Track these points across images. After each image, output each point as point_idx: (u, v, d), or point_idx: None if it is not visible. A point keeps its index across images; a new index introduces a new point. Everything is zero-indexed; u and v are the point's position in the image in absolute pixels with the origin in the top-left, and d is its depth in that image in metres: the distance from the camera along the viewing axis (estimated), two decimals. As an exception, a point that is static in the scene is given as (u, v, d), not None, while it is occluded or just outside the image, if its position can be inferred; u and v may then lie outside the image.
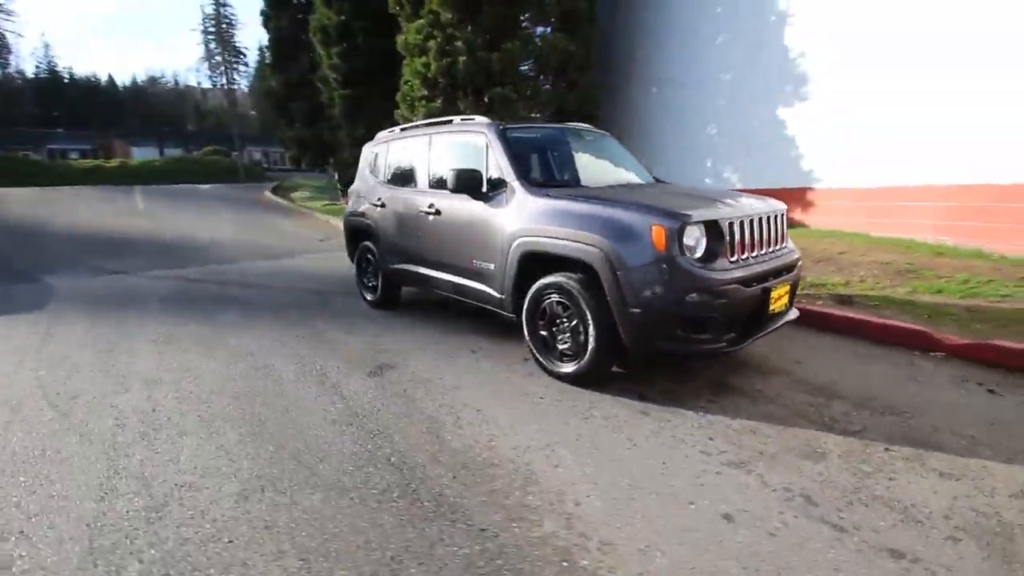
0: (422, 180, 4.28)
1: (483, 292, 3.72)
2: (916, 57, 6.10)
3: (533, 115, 9.71)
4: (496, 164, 3.56)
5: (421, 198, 4.20)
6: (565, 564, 1.72)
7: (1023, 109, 5.29)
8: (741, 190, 4.26)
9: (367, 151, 5.24)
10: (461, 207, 3.77)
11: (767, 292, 2.89)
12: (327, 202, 17.87)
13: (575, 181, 3.85)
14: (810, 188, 7.64)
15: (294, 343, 4.08)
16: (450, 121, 4.18)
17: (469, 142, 3.85)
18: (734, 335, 2.83)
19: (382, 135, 5.14)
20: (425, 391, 3.13)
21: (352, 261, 5.52)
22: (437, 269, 4.14)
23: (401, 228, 4.48)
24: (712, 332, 2.76)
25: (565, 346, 3.15)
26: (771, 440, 2.47)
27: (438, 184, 4.09)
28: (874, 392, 2.97)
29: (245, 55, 46.82)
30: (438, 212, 3.99)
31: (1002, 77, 5.42)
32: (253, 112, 50.04)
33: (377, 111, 12.75)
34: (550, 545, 1.81)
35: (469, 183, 3.53)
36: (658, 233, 2.67)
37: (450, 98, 9.75)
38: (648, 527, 1.89)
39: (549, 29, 9.72)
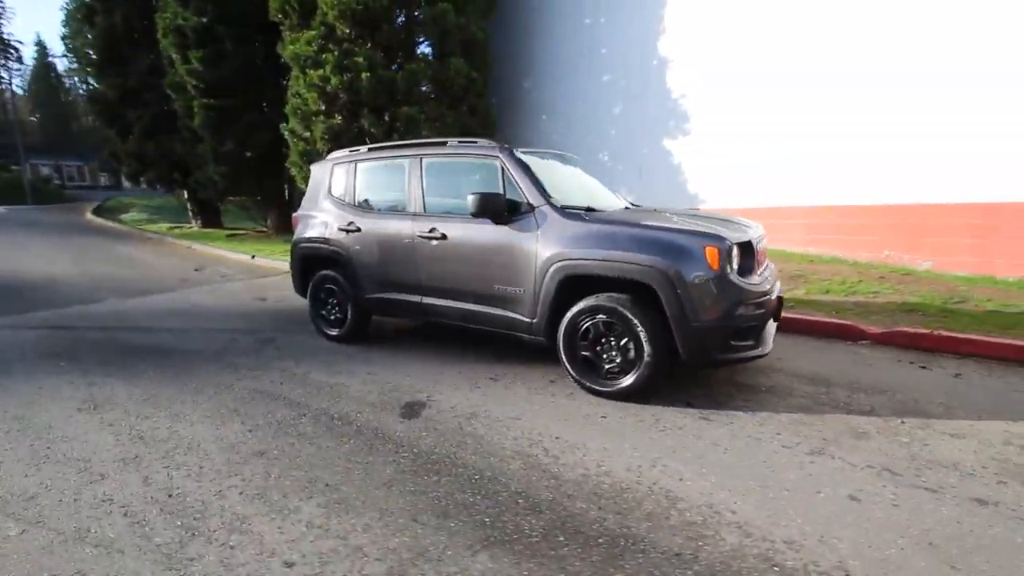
0: (414, 204, 4.03)
1: (505, 318, 3.64)
2: (777, 98, 7.54)
3: (445, 138, 9.67)
4: (516, 188, 3.55)
5: (416, 223, 3.95)
6: (777, 569, 1.82)
7: (862, 146, 6.88)
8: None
9: (320, 172, 4.75)
10: (478, 232, 3.65)
11: (781, 300, 3.37)
12: (172, 225, 15.38)
13: (582, 205, 3.95)
14: (696, 209, 8.88)
15: (278, 391, 3.51)
16: (443, 143, 4.03)
17: (477, 165, 3.77)
18: (765, 341, 3.23)
19: (338, 155, 4.71)
20: (485, 426, 2.96)
21: (302, 293, 4.92)
22: (440, 297, 3.93)
23: (386, 255, 4.15)
24: (753, 339, 3.12)
25: (611, 364, 3.26)
26: (821, 427, 2.88)
27: (438, 208, 3.91)
28: (851, 377, 3.62)
29: (19, 50, 38.18)
30: (443, 237, 3.80)
31: (846, 119, 6.99)
32: (34, 118, 40.69)
33: (248, 124, 11.48)
34: (749, 555, 1.90)
35: (492, 207, 3.46)
36: (712, 253, 2.96)
37: (351, 115, 9.23)
38: (807, 520, 2.08)
39: (433, 53, 9.71)
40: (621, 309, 3.12)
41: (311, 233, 4.63)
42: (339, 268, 4.51)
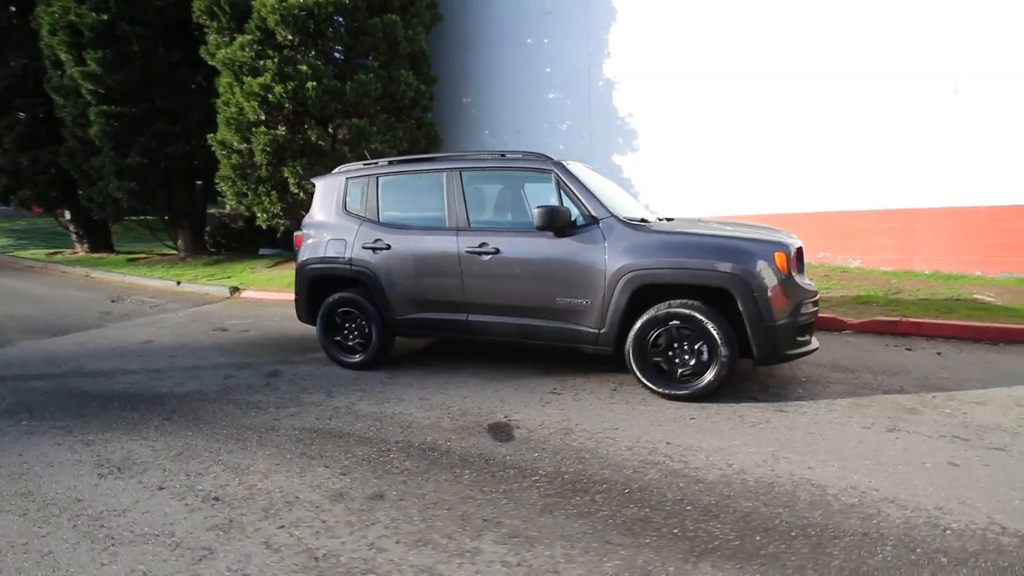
0: (456, 218, 3.87)
1: (568, 330, 3.63)
2: (718, 119, 8.32)
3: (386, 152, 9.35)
4: (574, 200, 3.58)
5: (462, 238, 3.80)
6: (949, 532, 2.02)
7: (793, 161, 7.81)
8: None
9: (329, 187, 4.38)
10: (537, 245, 3.61)
11: (817, 300, 3.74)
12: (51, 251, 13.08)
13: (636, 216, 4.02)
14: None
15: (333, 427, 3.17)
16: (486, 155, 3.94)
17: (529, 177, 3.75)
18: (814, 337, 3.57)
19: (350, 169, 4.40)
20: (590, 440, 2.92)
21: (308, 319, 4.48)
22: (491, 313, 3.81)
23: (425, 273, 3.94)
24: (810, 335, 3.44)
25: (685, 368, 3.39)
26: (877, 408, 3.23)
27: (485, 222, 3.81)
28: (863, 362, 4.10)
29: None
30: (496, 251, 3.70)
31: (777, 138, 7.90)
32: None
33: (158, 134, 10.17)
34: (919, 524, 2.08)
35: (559, 220, 3.45)
36: (780, 258, 3.22)
37: (295, 126, 8.60)
38: (936, 487, 2.33)
39: (380, 64, 9.44)
40: (697, 315, 3.27)
41: (325, 253, 4.24)
42: (362, 289, 4.18)
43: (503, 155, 3.93)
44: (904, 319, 4.85)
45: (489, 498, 2.38)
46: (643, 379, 3.48)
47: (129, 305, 7.52)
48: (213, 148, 9.04)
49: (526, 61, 10.62)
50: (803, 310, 3.30)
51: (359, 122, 8.65)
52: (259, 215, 9.15)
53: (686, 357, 3.37)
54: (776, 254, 3.22)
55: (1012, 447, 2.69)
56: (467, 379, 3.99)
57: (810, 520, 2.15)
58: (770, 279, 3.19)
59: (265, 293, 8.15)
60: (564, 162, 3.76)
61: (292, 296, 7.66)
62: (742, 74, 8.03)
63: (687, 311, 3.30)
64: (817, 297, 3.48)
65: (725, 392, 3.47)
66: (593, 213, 3.53)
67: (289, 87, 8.10)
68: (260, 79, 8.05)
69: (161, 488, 2.53)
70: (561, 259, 3.56)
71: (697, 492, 2.38)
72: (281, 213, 8.96)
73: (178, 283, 8.81)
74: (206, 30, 8.97)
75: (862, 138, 7.16)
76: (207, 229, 13.16)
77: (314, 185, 4.53)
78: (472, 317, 3.86)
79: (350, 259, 4.13)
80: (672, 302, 3.35)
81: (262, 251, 12.80)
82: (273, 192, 8.75)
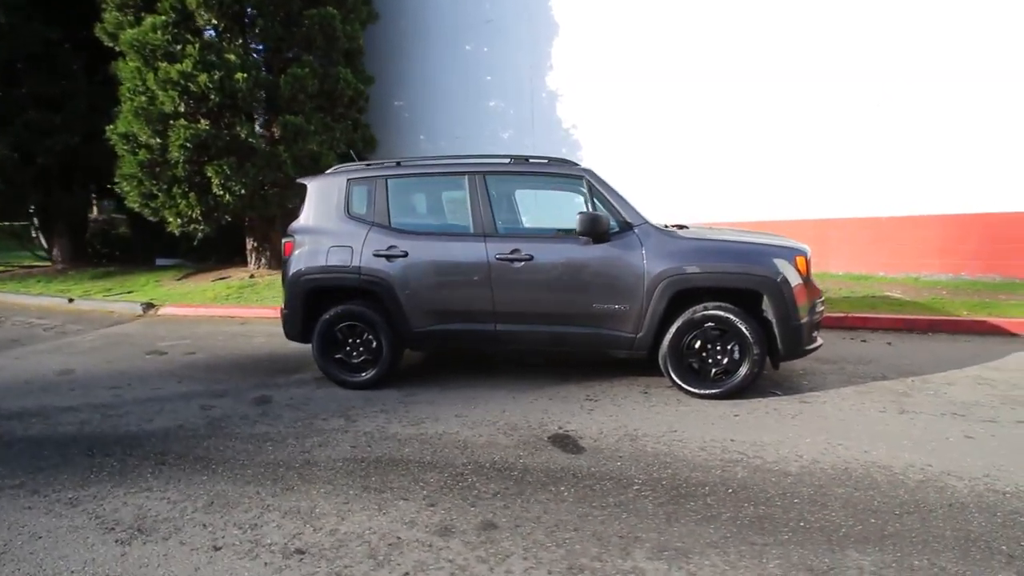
0: (482, 224, 3.68)
1: (603, 336, 3.62)
2: (655, 132, 8.88)
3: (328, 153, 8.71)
4: (608, 207, 3.60)
5: (491, 245, 3.63)
6: (1006, 494, 2.33)
7: (719, 174, 8.56)
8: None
9: (326, 189, 3.94)
10: (574, 251, 3.57)
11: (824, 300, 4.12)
12: None
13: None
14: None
15: (381, 454, 2.85)
16: (508, 160, 3.80)
17: (560, 183, 3.70)
18: (816, 333, 3.92)
19: (350, 169, 4.02)
20: (659, 444, 2.93)
21: (299, 336, 3.99)
22: (521, 322, 3.68)
23: (448, 281, 3.71)
24: (819, 332, 3.77)
25: (717, 368, 3.54)
26: (877, 393, 3.63)
27: (511, 228, 3.67)
28: (839, 354, 4.59)
29: None
30: (529, 258, 3.58)
31: (705, 153, 8.61)
32: None
33: (33, 124, 8.48)
34: (984, 491, 2.36)
35: (600, 227, 3.44)
36: (801, 262, 3.51)
37: (223, 120, 7.66)
38: (971, 458, 2.66)
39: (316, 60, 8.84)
40: (731, 316, 3.45)
41: (327, 261, 3.80)
42: (372, 301, 3.82)
43: (527, 159, 3.84)
44: (849, 314, 5.54)
45: (607, 513, 2.28)
46: (677, 380, 3.58)
47: (13, 329, 6.14)
48: (112, 142, 7.75)
49: (465, 68, 10.52)
50: (816, 309, 3.63)
51: (294, 119, 7.94)
52: (170, 220, 7.99)
53: (718, 357, 3.54)
54: (797, 258, 3.51)
55: (1000, 419, 3.18)
56: (492, 392, 3.81)
57: (901, 498, 2.35)
58: (795, 281, 3.47)
59: (190, 309, 7.13)
60: (593, 171, 3.77)
61: (227, 311, 6.89)
62: (682, 90, 8.64)
63: (722, 313, 3.46)
64: (824, 297, 3.85)
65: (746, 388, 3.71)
66: (628, 219, 3.58)
67: (216, 77, 7.21)
68: (180, 66, 7.06)
69: (217, 548, 2.08)
70: (599, 265, 3.56)
71: (792, 484, 2.49)
72: (200, 218, 7.90)
73: (70, 300, 7.38)
74: (103, 6, 7.69)
75: (785, 156, 8.06)
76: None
77: (304, 186, 4.07)
78: (500, 327, 3.70)
79: (359, 268, 3.75)
80: (707, 304, 3.49)
81: (160, 261, 11.19)
82: (192, 194, 7.69)
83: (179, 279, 9.07)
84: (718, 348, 3.53)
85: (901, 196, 7.36)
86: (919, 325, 5.31)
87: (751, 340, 3.44)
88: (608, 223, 3.49)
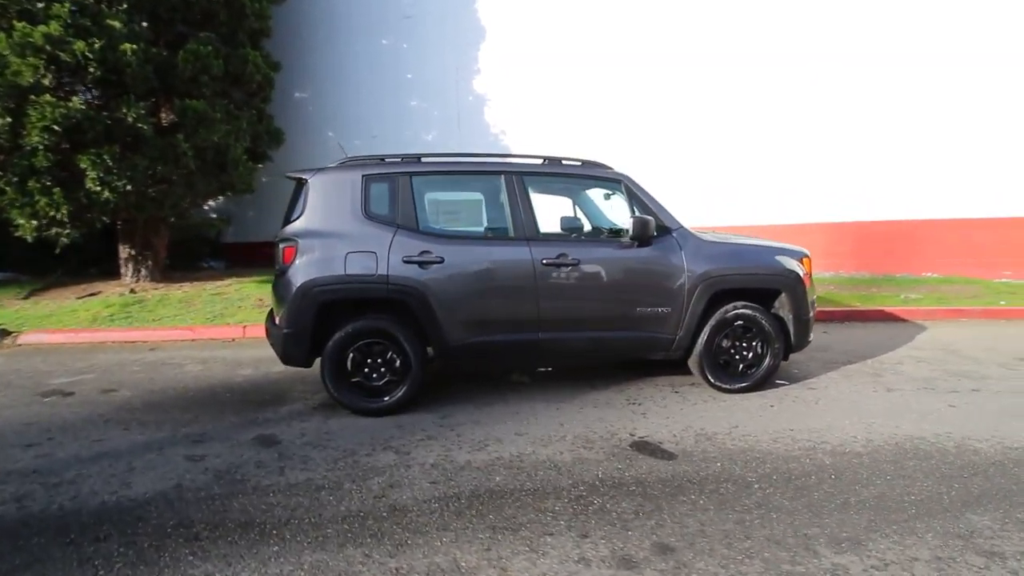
0: (522, 227, 3.45)
1: (644, 339, 3.63)
2: (586, 140, 9.21)
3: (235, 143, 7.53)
4: (648, 211, 3.61)
5: (536, 249, 3.41)
6: (1015, 449, 2.84)
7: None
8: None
9: (337, 185, 3.38)
10: (621, 255, 3.53)
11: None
12: None
13: None
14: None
15: (471, 487, 2.51)
16: (542, 160, 3.60)
17: (593, 186, 3.61)
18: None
19: (364, 163, 3.50)
20: (731, 441, 3.01)
21: (302, 360, 3.36)
22: (564, 329, 3.52)
23: (491, 289, 3.41)
24: (811, 325, 4.21)
25: (744, 363, 3.76)
26: (859, 376, 4.16)
27: (555, 232, 3.49)
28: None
29: None
30: (576, 263, 3.44)
31: (640, 158, 9.16)
32: None
33: None
34: (992, 451, 2.84)
35: (649, 231, 3.44)
36: (807, 262, 3.88)
37: (107, 100, 6.18)
38: (970, 424, 3.18)
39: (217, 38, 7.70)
40: (757, 314, 3.69)
41: (346, 270, 3.23)
42: (398, 313, 3.34)
43: (561, 161, 3.70)
44: (785, 309, 6.31)
45: (756, 515, 2.27)
46: (710, 377, 3.73)
47: None
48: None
49: (382, 63, 9.90)
50: (814, 306, 4.06)
51: (196, 104, 6.74)
52: (21, 222, 6.21)
53: (745, 352, 3.77)
54: (804, 260, 3.90)
55: (960, 389, 3.85)
56: (530, 405, 3.59)
57: (956, 463, 2.71)
58: (805, 280, 3.84)
59: (65, 335, 5.59)
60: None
61: (121, 336, 5.68)
62: (614, 99, 9.08)
63: (749, 311, 3.69)
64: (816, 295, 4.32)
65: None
66: (666, 223, 3.64)
67: (96, 46, 5.79)
68: (44, 28, 5.53)
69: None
70: (645, 268, 3.57)
71: (872, 463, 2.73)
72: (67, 219, 6.26)
73: None
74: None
75: (702, 172, 8.92)
76: None
77: (302, 182, 3.42)
78: (543, 335, 3.50)
79: (386, 276, 3.26)
80: (736, 304, 3.70)
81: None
82: (57, 190, 6.05)
83: (24, 298, 7.08)
84: (744, 345, 3.77)
85: (791, 208, 8.63)
86: (837, 316, 6.24)
87: (773, 335, 3.73)
88: (653, 226, 3.52)
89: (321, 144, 10.27)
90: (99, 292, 7.26)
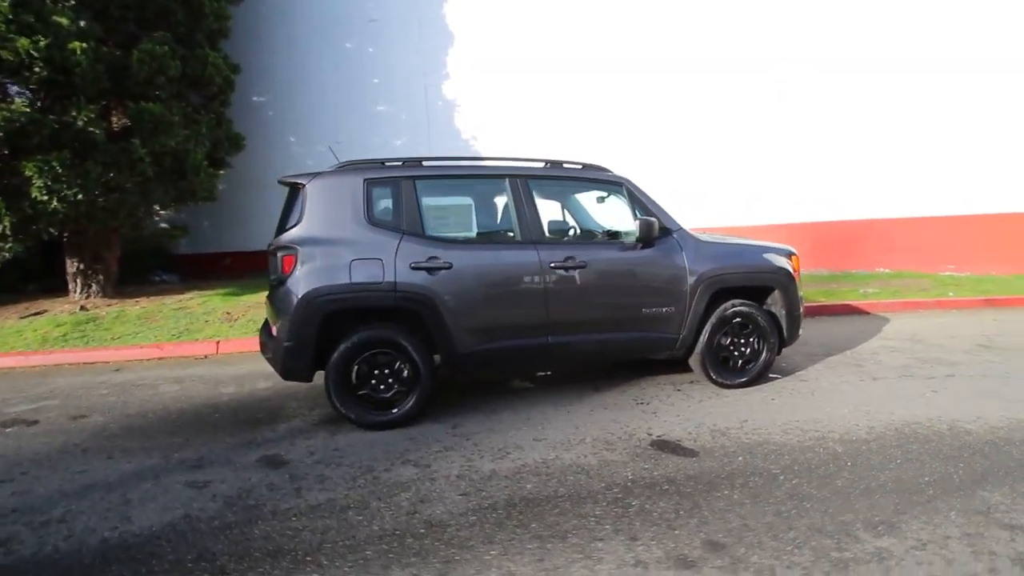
0: (528, 231, 3.42)
1: (650, 339, 3.67)
2: (560, 146, 9.29)
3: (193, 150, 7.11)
4: (649, 213, 3.66)
5: (543, 252, 3.38)
6: (999, 429, 3.04)
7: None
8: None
9: (336, 191, 3.23)
10: (627, 256, 3.56)
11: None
12: None
13: None
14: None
15: (517, 498, 2.46)
16: (544, 163, 3.58)
17: (602, 189, 3.65)
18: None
19: (364, 166, 3.38)
20: (755, 435, 3.08)
21: (303, 373, 3.19)
22: (574, 332, 3.51)
23: (500, 294, 3.35)
24: (798, 319, 4.38)
25: (742, 359, 3.87)
26: (843, 367, 4.37)
27: (560, 235, 3.47)
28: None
29: None
30: (583, 265, 3.43)
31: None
32: None
33: None
34: (980, 430, 3.04)
35: (655, 232, 3.49)
36: (795, 261, 4.04)
37: (54, 102, 5.69)
38: (955, 407, 3.40)
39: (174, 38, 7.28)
40: (753, 311, 3.81)
41: (351, 277, 3.08)
42: (407, 321, 3.23)
43: (562, 164, 3.69)
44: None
45: (792, 506, 2.32)
46: (711, 374, 3.82)
47: None
48: None
49: (348, 67, 9.64)
50: (803, 301, 4.24)
51: (152, 107, 6.32)
52: (-46, 236, 5.61)
53: (743, 349, 3.88)
54: (792, 257, 4.06)
55: (937, 375, 4.11)
56: (540, 409, 3.55)
57: (953, 444, 2.89)
58: (795, 277, 4.00)
59: (14, 359, 5.09)
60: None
61: (79, 357, 5.33)
62: (582, 104, 9.20)
63: (747, 309, 3.81)
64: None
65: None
66: (666, 225, 3.70)
67: (41, 44, 5.33)
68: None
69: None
70: (650, 269, 3.61)
71: (880, 449, 2.85)
72: (10, 232, 5.71)
73: None
74: None
75: (671, 176, 9.17)
76: None
77: (298, 187, 3.25)
78: (553, 338, 3.47)
79: (394, 283, 3.14)
80: (734, 302, 3.80)
81: None
82: (-4, 199, 5.51)
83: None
84: (741, 341, 3.88)
85: (756, 210, 9.02)
86: (808, 311, 6.51)
87: (768, 331, 3.86)
88: (657, 228, 3.57)
89: (283, 150, 9.91)
90: (45, 311, 6.65)
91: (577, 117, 9.22)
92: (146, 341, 5.63)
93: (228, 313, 6.68)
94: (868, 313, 6.59)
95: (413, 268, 3.20)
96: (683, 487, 2.52)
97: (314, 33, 9.66)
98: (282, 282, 3.15)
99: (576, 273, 3.47)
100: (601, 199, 4.11)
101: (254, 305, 6.95)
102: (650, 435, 3.13)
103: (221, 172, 7.98)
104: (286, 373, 3.22)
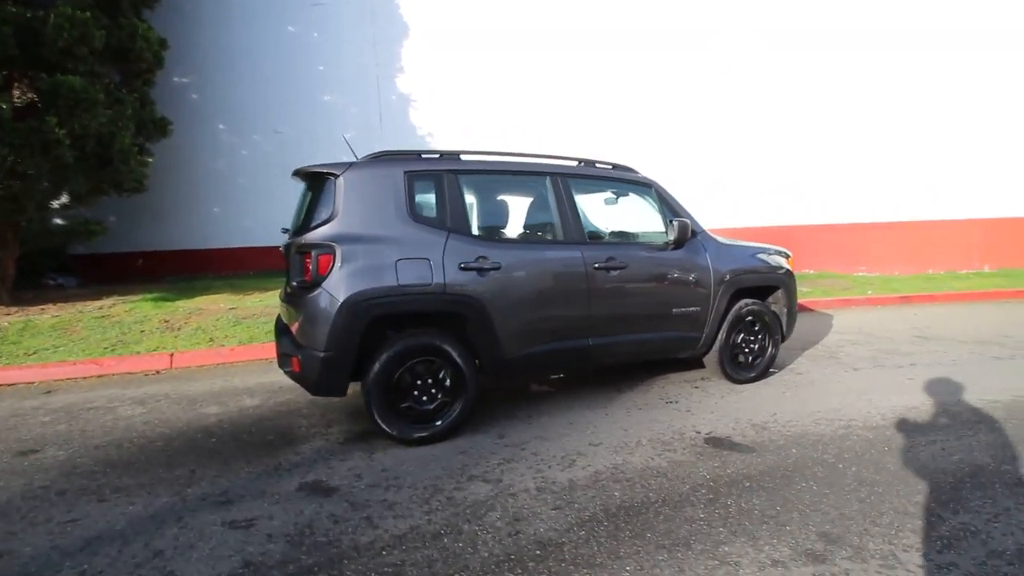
0: (570, 231, 3.32)
1: (679, 338, 3.75)
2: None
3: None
4: (677, 215, 3.72)
5: (587, 253, 3.31)
6: (953, 411, 3.47)
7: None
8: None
9: (376, 183, 2.93)
10: (662, 257, 3.61)
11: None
12: None
13: None
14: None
15: (614, 508, 2.37)
16: (581, 162, 3.50)
17: (625, 190, 3.63)
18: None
19: (401, 157, 3.09)
20: (791, 427, 3.24)
21: (337, 388, 2.86)
22: (613, 333, 3.48)
23: (547, 295, 3.22)
24: (786, 317, 4.70)
25: (752, 356, 4.07)
26: (825, 360, 4.76)
27: (600, 236, 3.41)
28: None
29: None
30: (623, 267, 3.40)
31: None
32: None
33: None
34: (941, 413, 3.46)
35: (688, 234, 3.56)
36: (791, 261, 4.32)
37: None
38: (930, 392, 3.83)
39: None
40: (762, 309, 4.03)
41: (399, 279, 2.78)
42: (451, 326, 2.99)
43: (595, 163, 3.64)
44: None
45: (867, 490, 2.45)
46: (727, 371, 3.98)
47: None
48: None
49: (289, 52, 8.91)
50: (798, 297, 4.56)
51: (72, 81, 5.39)
52: None
53: (753, 345, 4.09)
54: (788, 259, 4.35)
55: (902, 364, 4.61)
56: (581, 412, 3.49)
57: (959, 423, 3.24)
58: (793, 277, 4.29)
59: None
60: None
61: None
62: (546, 100, 9.20)
63: (758, 307, 4.02)
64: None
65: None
66: (692, 227, 3.79)
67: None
68: None
69: None
70: (681, 270, 3.67)
71: (905, 433, 3.12)
72: None
73: None
74: None
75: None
76: None
77: (326, 178, 2.87)
78: (594, 340, 3.41)
79: (444, 285, 2.89)
80: (747, 301, 3.99)
81: None
82: None
83: None
84: (751, 338, 4.08)
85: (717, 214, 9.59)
86: (763, 309, 7.08)
87: (774, 327, 4.11)
88: (690, 229, 3.64)
89: (209, 138, 8.94)
90: (-83, 323, 5.37)
91: (539, 115, 9.24)
92: (75, 356, 4.74)
93: (166, 321, 5.85)
94: (812, 310, 7.27)
95: (461, 268, 2.98)
96: (763, 483, 2.58)
97: (248, 13, 8.80)
98: (316, 284, 2.78)
99: (617, 274, 3.44)
100: (611, 200, 4.14)
101: (196, 312, 6.16)
102: (698, 433, 3.18)
103: (150, 160, 6.98)
104: (319, 388, 2.85)
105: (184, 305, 6.47)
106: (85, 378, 4.44)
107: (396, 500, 2.45)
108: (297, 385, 4.03)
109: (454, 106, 9.13)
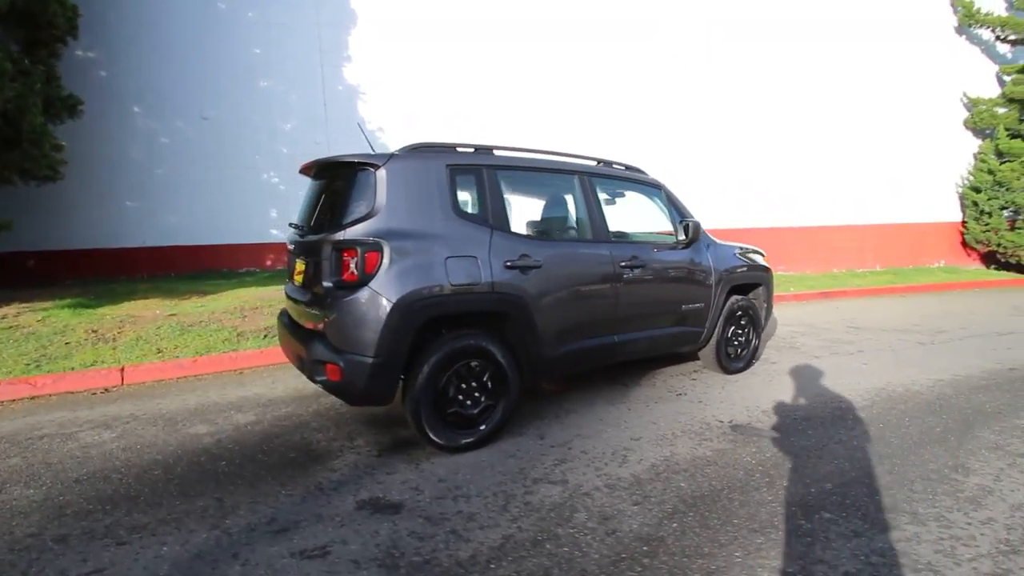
0: (597, 229, 3.33)
1: (685, 334, 3.92)
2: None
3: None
4: (684, 216, 3.88)
5: (615, 251, 3.35)
6: (930, 394, 4.02)
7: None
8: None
9: (418, 176, 2.74)
10: (674, 256, 3.74)
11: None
12: None
13: None
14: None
15: (687, 504, 2.42)
16: (599, 162, 3.52)
17: (646, 191, 3.74)
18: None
19: (440, 150, 2.90)
20: (801, 410, 3.51)
21: (383, 394, 2.64)
22: (633, 330, 3.56)
23: (582, 293, 3.21)
24: (757, 311, 5.08)
25: (739, 349, 4.36)
26: (799, 350, 5.21)
27: (620, 234, 3.47)
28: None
29: None
30: (643, 265, 3.48)
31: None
32: None
33: None
34: (917, 391, 3.99)
35: (699, 234, 3.73)
36: (767, 259, 4.69)
37: None
38: (919, 374, 4.36)
39: None
40: (751, 304, 4.34)
41: (449, 278, 2.61)
42: (502, 325, 2.88)
43: (612, 164, 3.68)
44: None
45: (918, 455, 2.74)
46: (722, 364, 4.23)
47: None
48: None
49: (217, 31, 8.10)
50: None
51: (-31, 46, 4.46)
52: None
53: (741, 339, 4.38)
54: (764, 257, 4.71)
55: (852, 351, 5.18)
56: (605, 408, 3.54)
57: (938, 400, 3.72)
58: (771, 274, 4.66)
59: None
60: (650, 179, 3.98)
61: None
62: (497, 95, 9.14)
63: (746, 303, 4.32)
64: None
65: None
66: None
67: None
68: None
69: None
70: (690, 267, 3.84)
71: (910, 408, 3.52)
72: None
73: None
74: None
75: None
76: None
77: (366, 168, 2.62)
78: (619, 337, 3.46)
79: (492, 283, 2.77)
80: (737, 297, 4.28)
81: None
82: None
83: None
84: (739, 332, 4.38)
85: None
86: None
87: (759, 321, 4.44)
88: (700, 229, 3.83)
89: (122, 121, 7.90)
90: None
91: (490, 110, 9.19)
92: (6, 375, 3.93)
93: (95, 331, 5.06)
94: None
95: (507, 267, 2.88)
96: (811, 463, 2.76)
97: (172, -17, 7.86)
98: (362, 284, 2.55)
99: (639, 272, 3.53)
100: (610, 200, 4.24)
101: (129, 320, 5.40)
102: (722, 422, 3.35)
103: (64, 144, 5.98)
104: (366, 397, 2.61)
105: (111, 312, 5.63)
106: (15, 400, 3.71)
107: (473, 510, 2.32)
108: (294, 398, 3.73)
109: (406, 99, 8.82)
